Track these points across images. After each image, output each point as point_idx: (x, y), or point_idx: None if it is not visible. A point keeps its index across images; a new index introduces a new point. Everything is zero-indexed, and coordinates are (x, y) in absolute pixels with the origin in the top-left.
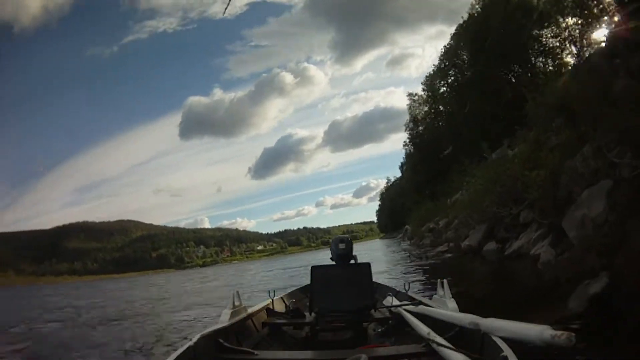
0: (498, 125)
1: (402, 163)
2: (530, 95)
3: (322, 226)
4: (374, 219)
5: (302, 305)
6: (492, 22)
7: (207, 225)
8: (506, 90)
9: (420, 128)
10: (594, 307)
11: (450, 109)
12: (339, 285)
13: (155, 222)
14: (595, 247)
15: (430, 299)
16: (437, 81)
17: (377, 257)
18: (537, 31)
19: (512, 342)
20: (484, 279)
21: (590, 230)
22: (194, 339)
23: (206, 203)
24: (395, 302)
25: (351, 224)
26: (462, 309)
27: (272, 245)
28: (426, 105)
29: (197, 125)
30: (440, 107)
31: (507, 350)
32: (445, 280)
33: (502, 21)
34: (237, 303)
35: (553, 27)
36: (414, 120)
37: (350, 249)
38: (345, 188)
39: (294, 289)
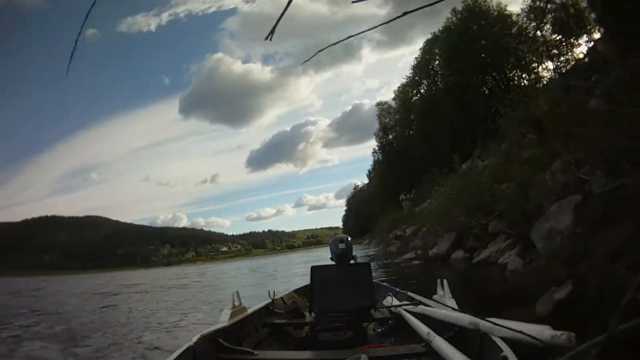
0: (469, 137)
1: (369, 170)
2: (504, 110)
3: (287, 230)
4: (340, 224)
5: (302, 305)
6: (469, 34)
7: (184, 222)
8: (478, 102)
9: (390, 137)
10: (559, 311)
11: (421, 119)
12: (338, 285)
13: (127, 219)
14: (562, 257)
15: (430, 299)
16: (410, 90)
17: None
18: (514, 45)
19: (512, 342)
20: (452, 284)
21: (557, 242)
22: (194, 339)
23: (190, 198)
24: (395, 302)
25: (316, 229)
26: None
27: (236, 247)
28: (397, 114)
29: (207, 103)
30: (411, 116)
31: (507, 350)
32: (445, 280)
33: (479, 34)
34: (237, 303)
35: (530, 43)
36: (384, 128)
37: (350, 248)
38: (334, 188)
39: (294, 288)
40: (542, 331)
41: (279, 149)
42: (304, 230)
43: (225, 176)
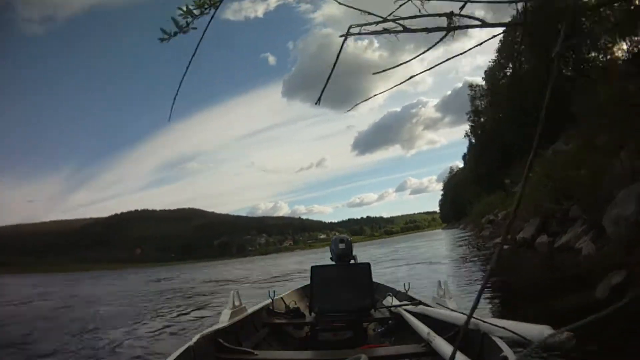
0: (555, 118)
1: (464, 153)
2: (577, 98)
3: (385, 215)
4: (437, 208)
5: (302, 305)
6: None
7: (284, 210)
8: (563, 82)
9: (482, 119)
10: (612, 296)
11: (509, 101)
12: (339, 285)
13: (224, 210)
14: (624, 243)
15: (431, 299)
16: (497, 73)
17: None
18: (589, 25)
19: (512, 343)
20: (529, 269)
21: (624, 228)
22: (194, 339)
23: (292, 186)
24: (395, 302)
25: (414, 214)
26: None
27: (334, 234)
28: (487, 97)
29: (312, 85)
30: (500, 98)
31: (507, 350)
32: (445, 280)
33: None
34: (237, 303)
35: (603, 22)
36: (475, 111)
37: (350, 248)
38: (438, 170)
39: (294, 289)
40: (542, 331)
41: (388, 131)
42: (402, 215)
43: (331, 161)
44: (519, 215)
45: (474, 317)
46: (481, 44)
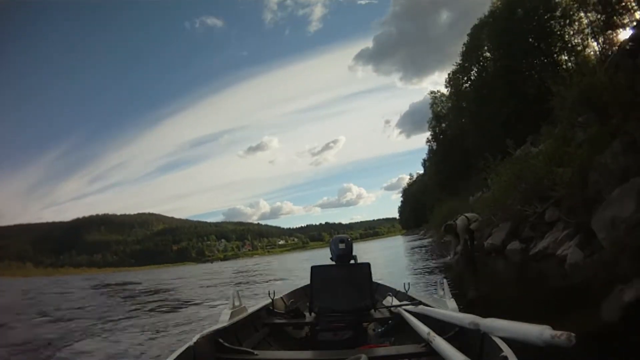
0: (521, 122)
1: (424, 159)
2: (556, 89)
3: (344, 222)
4: (396, 215)
5: (302, 305)
6: (515, 18)
7: (265, 208)
8: (529, 86)
9: (443, 125)
10: (629, 317)
11: (473, 106)
12: (338, 285)
13: (178, 216)
14: (628, 250)
15: (430, 299)
16: (460, 77)
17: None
18: (559, 27)
19: (512, 342)
20: (508, 280)
21: (622, 232)
22: (194, 339)
23: (302, 178)
24: (395, 302)
25: (373, 220)
26: (478, 311)
27: (293, 240)
28: (449, 102)
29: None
30: (463, 103)
31: (507, 351)
32: (445, 280)
33: (525, 17)
34: (237, 303)
35: (575, 24)
36: (437, 117)
37: (350, 248)
38: None
39: (294, 288)
40: (542, 331)
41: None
42: (361, 222)
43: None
44: (486, 220)
45: (474, 317)
46: None
